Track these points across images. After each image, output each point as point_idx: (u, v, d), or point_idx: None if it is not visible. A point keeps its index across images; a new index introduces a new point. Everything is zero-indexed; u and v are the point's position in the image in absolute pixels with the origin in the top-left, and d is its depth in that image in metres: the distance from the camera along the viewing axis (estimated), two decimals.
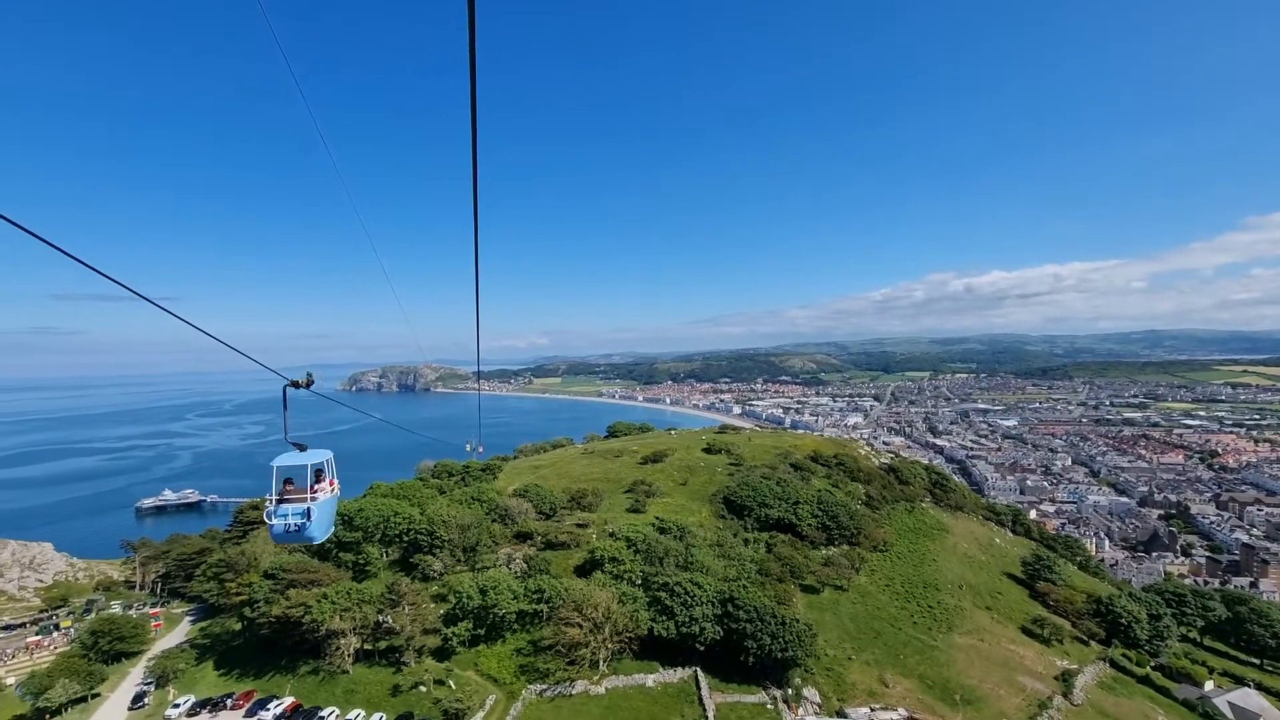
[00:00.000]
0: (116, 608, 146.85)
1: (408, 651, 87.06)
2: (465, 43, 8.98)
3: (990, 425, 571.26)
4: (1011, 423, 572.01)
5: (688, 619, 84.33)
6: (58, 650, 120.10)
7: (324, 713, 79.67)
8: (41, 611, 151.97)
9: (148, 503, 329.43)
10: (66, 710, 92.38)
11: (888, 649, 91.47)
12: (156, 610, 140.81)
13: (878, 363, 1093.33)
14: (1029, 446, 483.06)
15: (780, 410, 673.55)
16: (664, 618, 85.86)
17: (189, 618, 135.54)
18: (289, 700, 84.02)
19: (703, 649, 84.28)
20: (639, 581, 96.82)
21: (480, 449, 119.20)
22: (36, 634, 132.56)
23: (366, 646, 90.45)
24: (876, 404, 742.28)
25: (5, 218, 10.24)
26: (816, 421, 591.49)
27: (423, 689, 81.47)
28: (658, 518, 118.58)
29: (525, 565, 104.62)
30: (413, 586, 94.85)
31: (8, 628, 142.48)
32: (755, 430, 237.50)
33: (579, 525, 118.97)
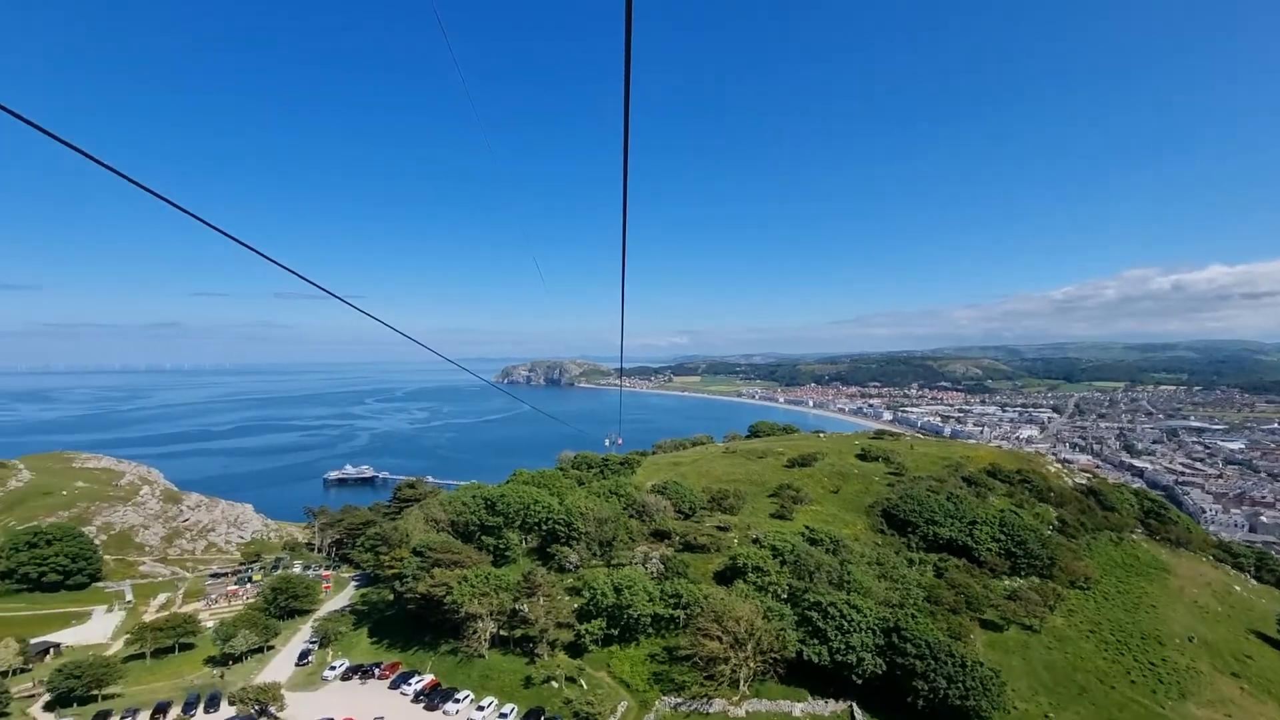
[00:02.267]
0: (297, 567, 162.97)
1: (541, 643, 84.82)
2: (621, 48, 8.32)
3: (1207, 447, 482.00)
4: (1237, 445, 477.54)
5: (843, 645, 73.72)
6: (249, 600, 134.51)
7: (460, 695, 79.38)
8: (240, 564, 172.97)
9: (333, 475, 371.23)
10: (246, 658, 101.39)
11: (1097, 711, 74.15)
12: (328, 573, 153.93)
13: (1058, 370, 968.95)
14: (1262, 475, 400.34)
15: (938, 418, 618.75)
16: (815, 641, 75.93)
17: (354, 583, 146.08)
18: (429, 678, 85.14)
19: (860, 682, 73.30)
20: (785, 596, 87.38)
21: (620, 441, 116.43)
22: (235, 584, 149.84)
23: (502, 633, 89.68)
24: (1056, 416, 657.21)
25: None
26: (982, 433, 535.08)
27: (554, 684, 78.54)
28: (807, 527, 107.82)
29: (662, 566, 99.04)
30: (548, 577, 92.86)
31: (216, 575, 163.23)
32: (917, 437, 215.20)
33: (719, 528, 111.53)
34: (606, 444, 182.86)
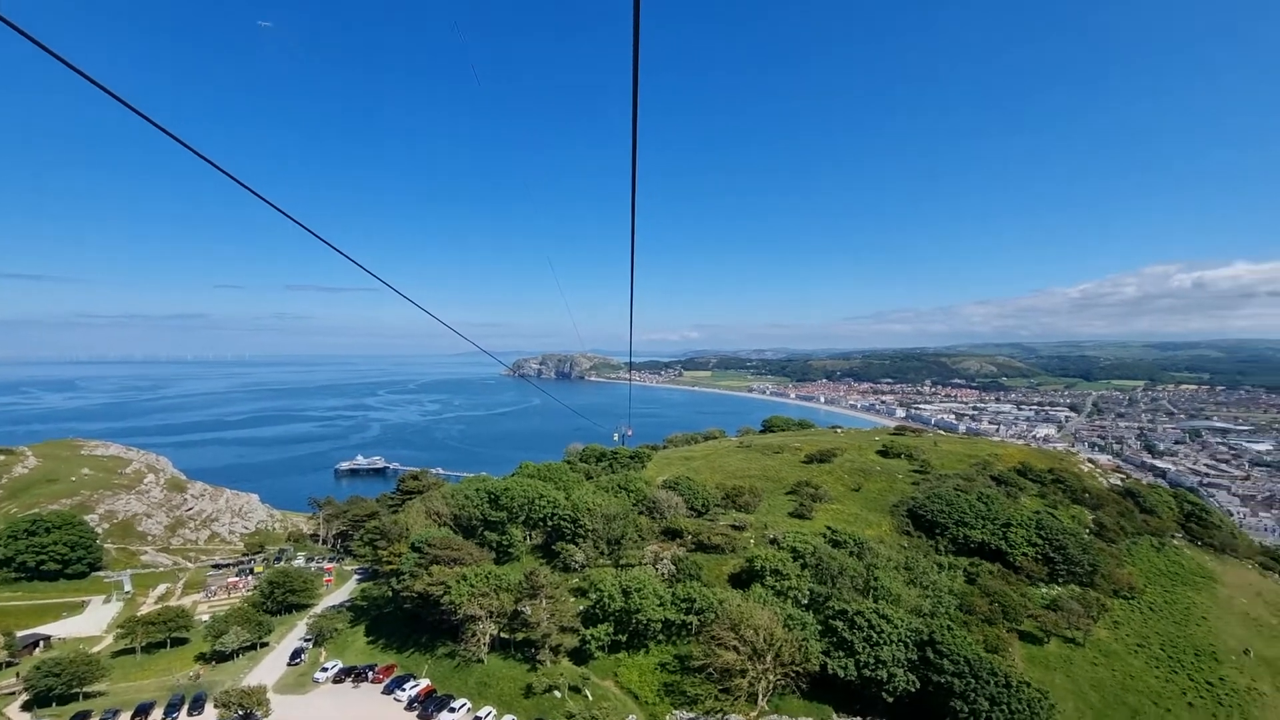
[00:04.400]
0: (300, 559, 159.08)
1: (543, 649, 79.27)
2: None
3: (1233, 448, 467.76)
4: (1264, 446, 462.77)
5: (872, 659, 67.49)
6: (249, 592, 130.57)
7: (456, 704, 74.05)
8: (243, 555, 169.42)
9: (344, 466, 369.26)
10: (238, 656, 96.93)
11: None
12: (330, 566, 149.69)
13: (1075, 368, 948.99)
14: None
15: (952, 416, 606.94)
16: (840, 653, 69.73)
17: (356, 576, 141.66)
18: (425, 683, 79.92)
19: (890, 700, 67.06)
20: (806, 602, 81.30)
21: (629, 433, 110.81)
22: (236, 575, 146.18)
23: (503, 635, 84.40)
24: (1073, 415, 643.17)
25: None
26: (997, 431, 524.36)
27: (557, 694, 73.01)
28: (829, 527, 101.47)
29: (673, 567, 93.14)
30: (552, 578, 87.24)
31: (217, 566, 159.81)
32: (942, 434, 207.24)
33: (734, 527, 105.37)
34: (616, 437, 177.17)
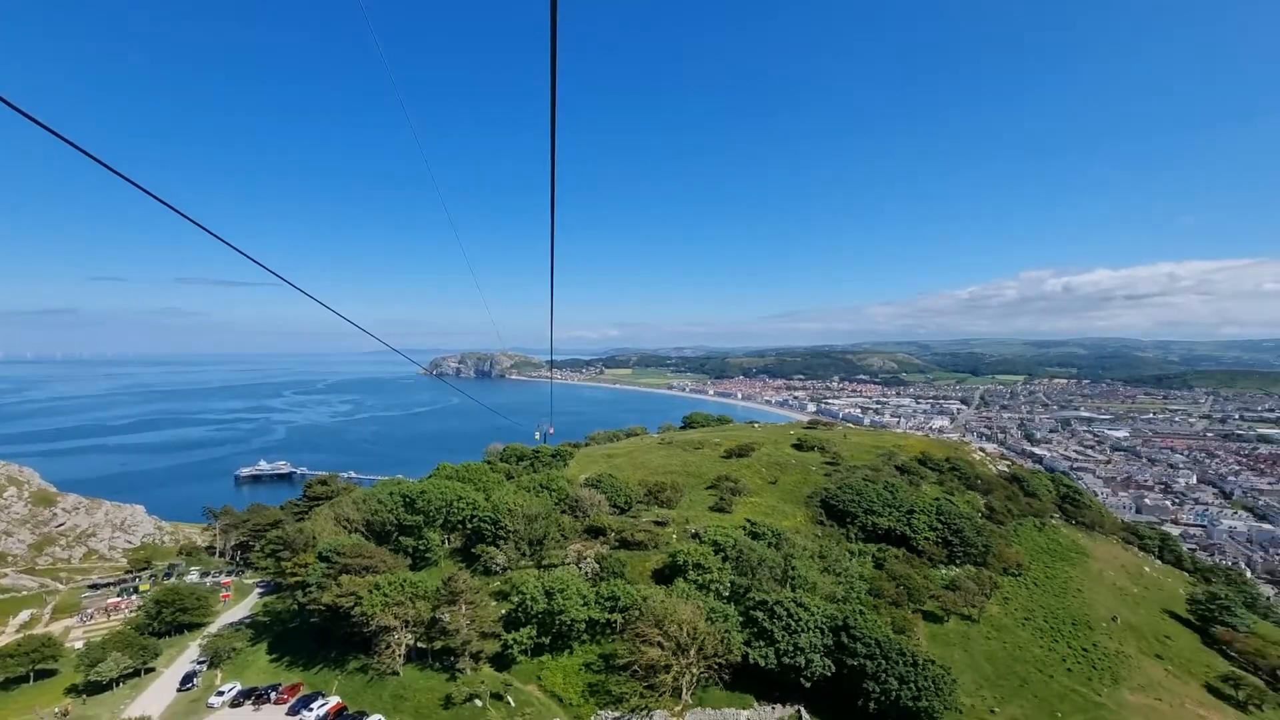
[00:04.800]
0: (194, 574, 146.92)
1: (463, 656, 76.97)
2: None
3: (1096, 435, 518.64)
4: (1122, 434, 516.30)
5: (790, 647, 69.82)
6: (133, 613, 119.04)
7: None
8: (126, 573, 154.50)
9: (245, 472, 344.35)
10: (118, 685, 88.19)
11: (1039, 703, 73.66)
12: (228, 580, 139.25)
13: (965, 364, 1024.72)
14: (1144, 461, 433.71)
15: (858, 410, 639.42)
16: (761, 643, 71.70)
17: (258, 590, 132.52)
18: (334, 701, 75.64)
19: (809, 685, 69.61)
20: (728, 594, 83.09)
21: (551, 431, 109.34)
22: (118, 595, 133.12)
23: (420, 645, 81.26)
24: (964, 407, 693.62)
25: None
26: (898, 423, 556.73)
27: (478, 703, 71.00)
28: (748, 520, 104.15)
29: (597, 566, 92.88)
30: (471, 583, 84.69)
31: (95, 586, 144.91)
32: (851, 427, 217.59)
33: (657, 523, 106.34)
34: (537, 435, 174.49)
